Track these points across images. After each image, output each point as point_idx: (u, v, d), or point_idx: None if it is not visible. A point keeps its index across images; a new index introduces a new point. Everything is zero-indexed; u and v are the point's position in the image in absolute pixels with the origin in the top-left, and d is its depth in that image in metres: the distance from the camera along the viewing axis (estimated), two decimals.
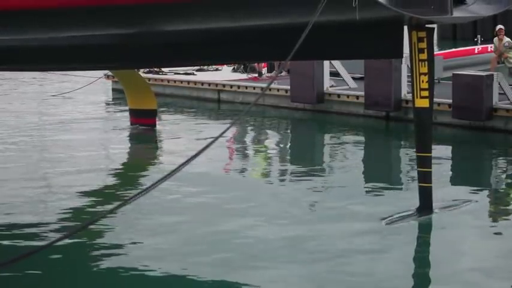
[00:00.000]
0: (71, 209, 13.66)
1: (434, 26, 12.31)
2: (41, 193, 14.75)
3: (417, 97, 12.27)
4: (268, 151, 19.16)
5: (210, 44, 12.53)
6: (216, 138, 9.07)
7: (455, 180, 15.81)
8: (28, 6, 12.21)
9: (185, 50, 12.81)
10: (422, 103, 12.27)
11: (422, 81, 12.21)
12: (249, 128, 21.73)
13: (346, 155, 18.55)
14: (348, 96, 22.86)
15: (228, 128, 9.82)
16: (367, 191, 14.80)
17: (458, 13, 11.82)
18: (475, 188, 14.78)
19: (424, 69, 12.17)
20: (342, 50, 12.38)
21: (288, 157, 18.86)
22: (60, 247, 10.60)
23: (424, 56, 12.13)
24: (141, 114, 21.16)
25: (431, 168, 12.48)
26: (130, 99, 21.54)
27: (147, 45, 12.83)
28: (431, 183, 12.49)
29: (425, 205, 12.56)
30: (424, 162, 12.44)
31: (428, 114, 12.43)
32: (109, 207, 13.01)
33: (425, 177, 12.46)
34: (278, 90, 24.12)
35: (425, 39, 12.08)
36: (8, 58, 13.88)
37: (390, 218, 12.39)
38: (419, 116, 12.45)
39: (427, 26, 12.09)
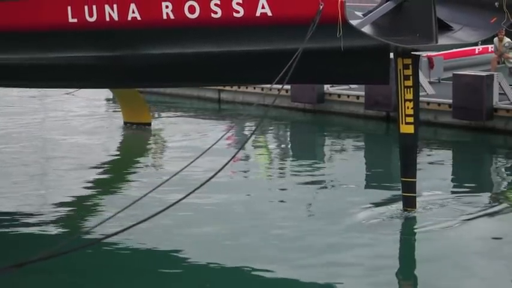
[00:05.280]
0: (69, 207, 13.85)
1: (420, 53, 12.34)
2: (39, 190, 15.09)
3: (402, 123, 12.35)
4: (268, 151, 19.25)
5: (200, 66, 12.66)
6: (225, 164, 9.28)
7: (454, 181, 15.89)
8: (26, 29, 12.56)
9: (174, 72, 12.93)
10: (407, 129, 12.35)
11: (408, 108, 12.28)
12: (249, 127, 21.75)
13: (346, 155, 18.66)
14: (348, 96, 22.86)
15: (236, 153, 10.28)
16: (366, 192, 14.84)
17: (443, 40, 11.86)
18: (475, 189, 14.87)
19: (410, 96, 12.22)
20: (329, 75, 12.45)
21: (288, 158, 18.88)
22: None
23: (409, 82, 12.18)
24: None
25: (415, 193, 12.54)
26: (125, 113, 21.51)
27: (141, 67, 12.98)
28: (415, 207, 12.57)
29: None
30: (408, 187, 12.49)
31: (414, 140, 12.49)
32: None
33: (409, 202, 12.53)
34: (278, 90, 24.06)
35: (410, 66, 12.12)
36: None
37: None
38: (404, 142, 12.53)
39: (412, 53, 12.12)
